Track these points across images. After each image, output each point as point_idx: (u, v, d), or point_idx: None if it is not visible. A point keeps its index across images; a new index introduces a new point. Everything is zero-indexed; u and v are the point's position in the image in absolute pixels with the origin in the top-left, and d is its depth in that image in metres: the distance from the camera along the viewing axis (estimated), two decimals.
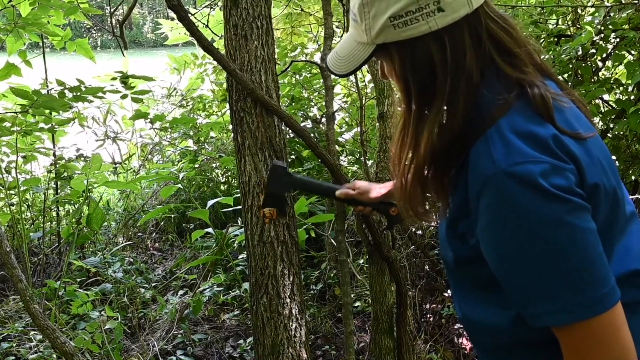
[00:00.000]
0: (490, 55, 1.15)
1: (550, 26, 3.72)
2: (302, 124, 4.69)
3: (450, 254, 1.26)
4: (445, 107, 1.16)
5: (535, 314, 1.07)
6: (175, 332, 3.74)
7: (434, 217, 1.32)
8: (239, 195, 2.47)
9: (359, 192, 1.94)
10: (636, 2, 3.15)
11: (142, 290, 4.24)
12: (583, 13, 3.75)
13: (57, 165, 4.68)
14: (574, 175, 1.06)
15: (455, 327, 3.54)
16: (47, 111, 3.87)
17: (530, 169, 1.03)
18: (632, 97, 3.40)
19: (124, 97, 4.40)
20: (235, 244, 4.06)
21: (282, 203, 2.13)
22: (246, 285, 3.76)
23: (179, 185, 4.09)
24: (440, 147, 1.17)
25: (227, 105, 2.53)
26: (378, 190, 1.92)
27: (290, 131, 3.15)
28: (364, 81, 4.57)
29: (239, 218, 4.41)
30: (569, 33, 3.59)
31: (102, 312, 3.60)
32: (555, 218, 1.02)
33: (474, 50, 1.14)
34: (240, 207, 2.44)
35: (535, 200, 1.02)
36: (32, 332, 3.47)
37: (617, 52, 3.30)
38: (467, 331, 1.34)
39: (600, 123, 3.49)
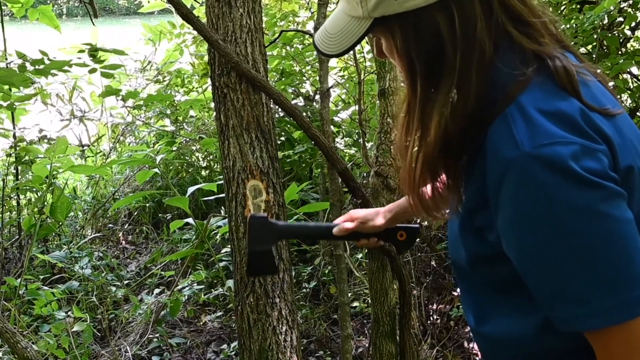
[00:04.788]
0: (504, 25, 1.14)
1: None
2: (293, 102, 4.68)
3: (464, 254, 1.24)
4: (455, 86, 1.14)
5: (565, 317, 1.06)
6: (151, 336, 3.74)
7: (445, 212, 1.30)
8: (222, 181, 2.47)
9: (360, 223, 1.81)
10: None
11: (113, 288, 4.23)
12: None
13: (18, 148, 4.65)
14: (607, 157, 1.04)
15: (466, 330, 3.55)
16: (6, 87, 3.85)
17: (559, 151, 1.01)
18: None
19: (92, 71, 4.38)
20: (217, 237, 4.05)
21: (270, 259, 2.01)
22: (230, 283, 3.76)
23: (156, 170, 4.07)
24: (453, 132, 1.15)
25: (209, 81, 2.52)
26: (382, 215, 1.81)
27: (279, 110, 3.14)
28: (362, 53, 4.56)
29: (222, 207, 4.40)
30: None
31: (69, 313, 3.59)
32: (588, 207, 1.00)
33: (485, 20, 1.12)
34: (223, 195, 2.43)
35: (566, 187, 1.00)
36: None
37: None
38: (480, 344, 1.32)
39: (629, 100, 3.48)
